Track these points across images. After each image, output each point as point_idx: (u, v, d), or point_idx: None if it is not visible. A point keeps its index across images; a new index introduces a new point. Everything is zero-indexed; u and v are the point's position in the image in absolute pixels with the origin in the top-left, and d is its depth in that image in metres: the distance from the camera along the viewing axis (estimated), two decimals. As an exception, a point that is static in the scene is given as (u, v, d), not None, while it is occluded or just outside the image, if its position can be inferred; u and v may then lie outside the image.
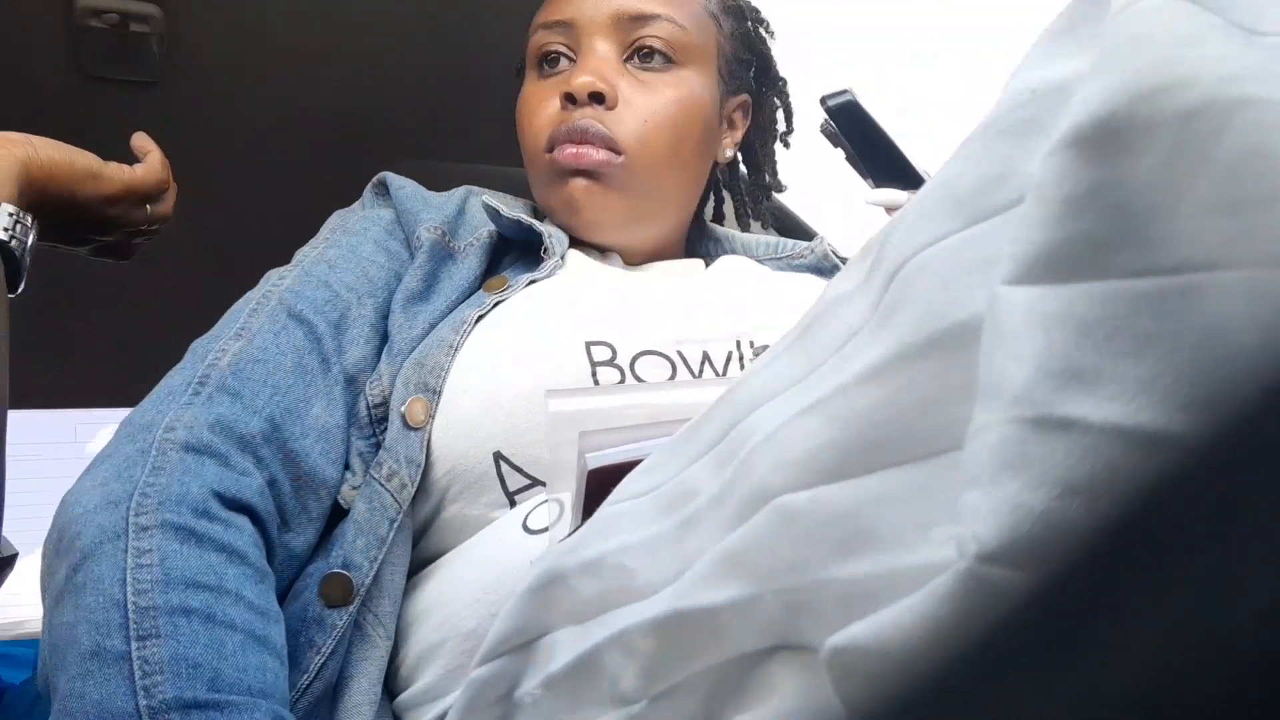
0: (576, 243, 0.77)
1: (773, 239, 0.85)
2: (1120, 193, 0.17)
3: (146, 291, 1.52)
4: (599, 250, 0.76)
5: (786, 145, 0.90)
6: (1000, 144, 0.22)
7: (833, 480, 0.23)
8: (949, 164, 0.23)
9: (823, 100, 0.85)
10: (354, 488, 0.61)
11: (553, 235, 0.73)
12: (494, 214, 0.72)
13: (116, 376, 1.66)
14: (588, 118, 0.70)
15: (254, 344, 0.60)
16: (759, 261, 0.80)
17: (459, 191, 0.77)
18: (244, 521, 0.53)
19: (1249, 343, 0.15)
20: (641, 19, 0.73)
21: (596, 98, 0.71)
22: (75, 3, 1.08)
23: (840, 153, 0.87)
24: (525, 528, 0.55)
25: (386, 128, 1.33)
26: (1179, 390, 0.16)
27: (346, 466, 0.62)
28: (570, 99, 0.71)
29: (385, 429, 0.62)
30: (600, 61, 0.72)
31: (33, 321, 1.64)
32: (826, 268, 0.80)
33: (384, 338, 0.67)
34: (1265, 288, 0.15)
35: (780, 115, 0.88)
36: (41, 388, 1.72)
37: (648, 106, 0.73)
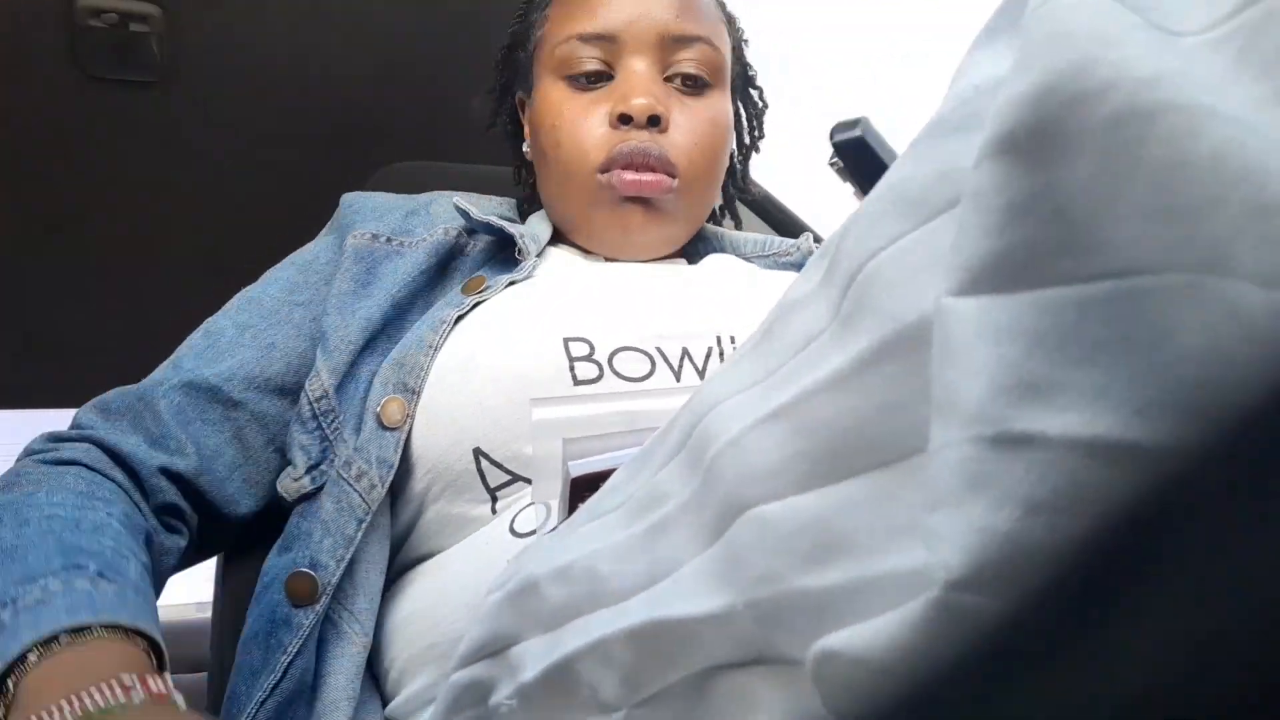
0: (557, 239, 0.77)
1: (761, 237, 0.85)
2: (1059, 199, 0.17)
3: (147, 291, 1.52)
4: (582, 248, 0.76)
5: (758, 150, 0.89)
6: (946, 142, 0.22)
7: (803, 490, 0.22)
8: (899, 164, 0.23)
9: (831, 135, 0.82)
10: (295, 479, 0.63)
11: (525, 235, 0.72)
12: (465, 215, 0.72)
13: (117, 377, 1.66)
14: (645, 140, 0.69)
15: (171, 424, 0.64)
16: (747, 259, 0.80)
17: (425, 195, 0.77)
18: (87, 446, 0.60)
19: (1196, 345, 0.15)
20: (684, 40, 0.72)
21: (653, 120, 0.69)
22: (75, 3, 1.08)
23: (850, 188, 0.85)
24: (513, 531, 0.54)
25: (386, 128, 1.33)
26: (1132, 396, 0.16)
27: (289, 463, 0.64)
28: (625, 120, 0.69)
29: (333, 423, 0.63)
30: (648, 81, 0.71)
31: (33, 322, 1.64)
32: None
33: (312, 340, 0.68)
34: (1207, 291, 0.15)
35: (756, 124, 0.88)
36: (41, 388, 1.72)
37: (695, 129, 0.72)
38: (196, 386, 0.65)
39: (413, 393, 0.60)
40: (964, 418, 0.18)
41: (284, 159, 1.36)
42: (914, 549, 0.19)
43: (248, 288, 0.73)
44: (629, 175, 0.68)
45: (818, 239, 0.84)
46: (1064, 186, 0.17)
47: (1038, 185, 0.18)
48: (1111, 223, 0.16)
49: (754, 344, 0.28)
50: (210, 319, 0.70)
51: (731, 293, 0.68)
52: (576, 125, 0.71)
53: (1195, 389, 0.15)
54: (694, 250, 0.82)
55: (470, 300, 0.66)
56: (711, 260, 0.76)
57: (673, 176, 0.70)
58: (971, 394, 0.18)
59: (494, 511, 0.58)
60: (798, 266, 0.80)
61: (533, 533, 0.52)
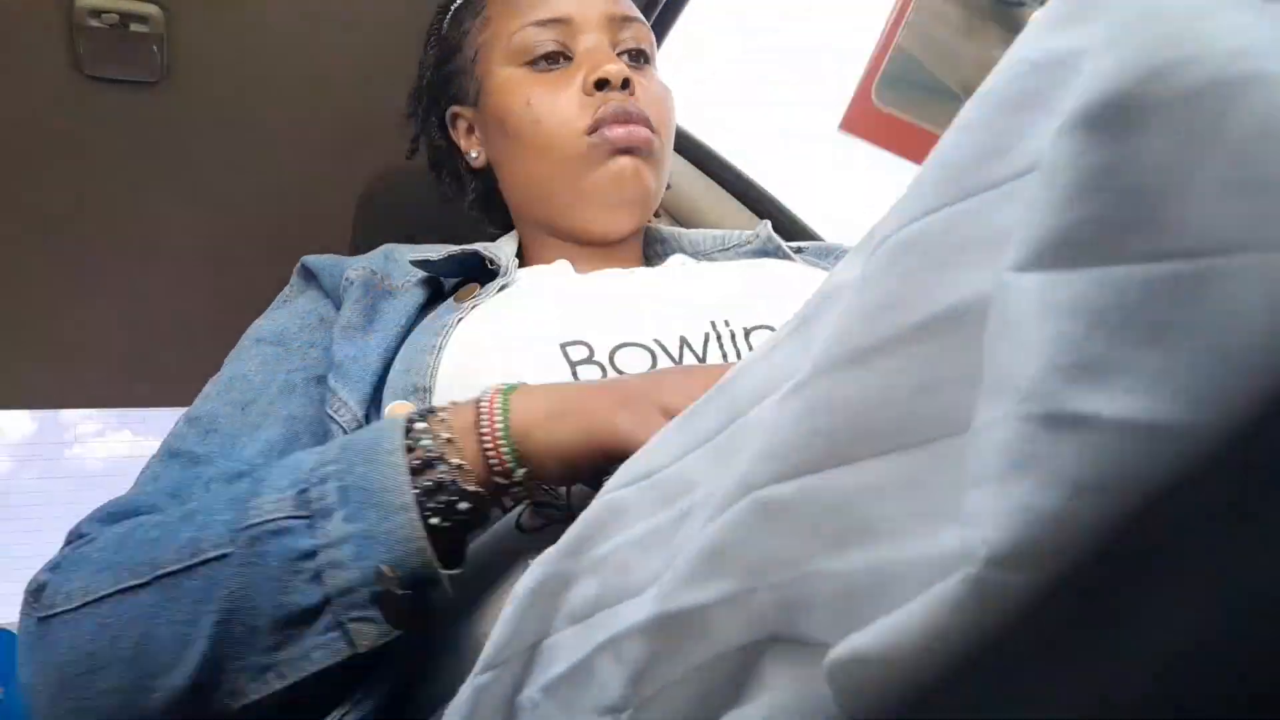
0: (522, 263, 0.79)
1: (718, 232, 0.87)
2: (1132, 174, 0.17)
3: (146, 291, 1.52)
4: (546, 264, 0.77)
5: None
6: (997, 117, 0.21)
7: (820, 470, 0.22)
8: (945, 137, 0.22)
9: None
10: None
11: (490, 249, 0.74)
12: (426, 264, 0.73)
13: (116, 376, 1.66)
14: (624, 99, 0.74)
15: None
16: (709, 257, 0.84)
17: (379, 249, 0.78)
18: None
19: (1264, 329, 0.15)
20: (626, 21, 0.79)
21: (625, 84, 0.74)
22: (75, 2, 1.08)
23: None
24: (519, 527, 0.54)
25: (387, 128, 1.33)
26: (1193, 382, 0.15)
27: None
28: (602, 84, 0.74)
29: None
30: (612, 53, 0.77)
31: (33, 321, 1.64)
32: (770, 249, 0.82)
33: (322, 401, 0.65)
34: (1279, 273, 0.15)
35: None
36: (41, 388, 1.71)
37: (655, 92, 0.78)
38: (241, 475, 0.58)
39: (425, 390, 0.61)
40: (1016, 394, 0.17)
41: (283, 159, 1.36)
42: (944, 534, 0.18)
43: (210, 384, 0.68)
44: (619, 129, 0.73)
45: (778, 224, 0.86)
46: (1139, 161, 0.17)
47: (1112, 159, 0.17)
48: (1186, 199, 0.16)
49: (791, 331, 0.27)
50: (182, 419, 0.65)
51: (709, 281, 0.71)
52: (554, 98, 0.75)
53: (1258, 374, 0.15)
54: (653, 253, 0.85)
55: (468, 305, 0.67)
56: (677, 259, 0.80)
57: (654, 131, 0.75)
58: (1026, 371, 0.17)
59: (503, 509, 0.57)
60: (758, 254, 0.82)
61: (538, 529, 0.52)
